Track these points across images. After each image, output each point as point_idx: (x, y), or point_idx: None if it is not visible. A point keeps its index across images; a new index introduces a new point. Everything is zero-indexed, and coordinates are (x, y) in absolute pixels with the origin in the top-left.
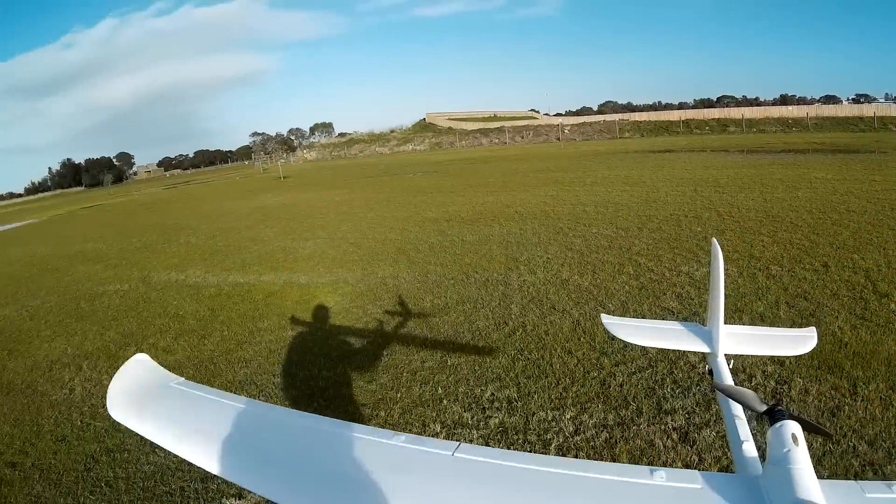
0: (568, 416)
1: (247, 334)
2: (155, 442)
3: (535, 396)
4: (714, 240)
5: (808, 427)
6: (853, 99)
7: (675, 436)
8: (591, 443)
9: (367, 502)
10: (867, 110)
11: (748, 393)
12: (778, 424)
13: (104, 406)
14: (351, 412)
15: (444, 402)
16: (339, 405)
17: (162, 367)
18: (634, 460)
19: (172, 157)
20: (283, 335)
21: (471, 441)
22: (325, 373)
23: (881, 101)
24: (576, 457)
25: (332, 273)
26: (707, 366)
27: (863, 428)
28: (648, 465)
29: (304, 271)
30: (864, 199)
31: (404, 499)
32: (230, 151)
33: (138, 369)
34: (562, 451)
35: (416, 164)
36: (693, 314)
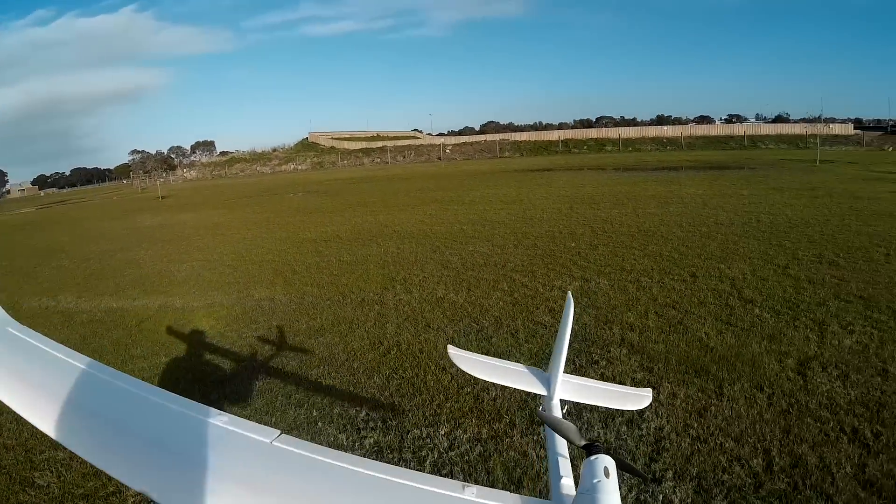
0: (442, 432)
1: (119, 362)
2: None
3: (410, 414)
4: (570, 292)
5: (623, 466)
6: (725, 119)
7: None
8: (466, 457)
9: (186, 477)
10: (738, 129)
11: (570, 427)
12: (593, 457)
13: None
14: None
15: (319, 424)
16: None
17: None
18: (508, 472)
19: (48, 174)
20: (156, 362)
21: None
22: (199, 399)
23: (752, 120)
24: (450, 472)
25: (207, 296)
26: (541, 407)
27: (729, 426)
28: (522, 475)
29: (179, 295)
30: (732, 213)
31: (221, 478)
32: (108, 169)
33: None
34: (437, 467)
35: (297, 184)
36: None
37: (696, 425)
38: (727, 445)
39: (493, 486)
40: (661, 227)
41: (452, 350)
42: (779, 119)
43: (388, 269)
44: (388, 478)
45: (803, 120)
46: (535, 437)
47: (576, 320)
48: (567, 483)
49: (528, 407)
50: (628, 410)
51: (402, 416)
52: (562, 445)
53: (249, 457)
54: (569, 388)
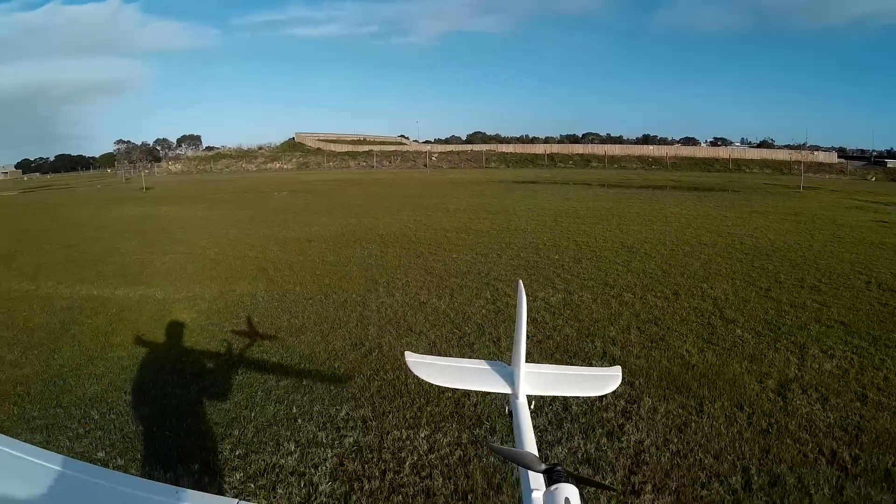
0: (423, 435)
1: (98, 350)
2: None
3: (390, 416)
4: (520, 280)
5: (589, 484)
6: (711, 142)
7: None
8: (445, 461)
9: None
10: (723, 153)
11: (526, 455)
12: (553, 487)
13: None
14: (204, 431)
15: (299, 421)
16: (191, 424)
17: None
18: (487, 477)
19: (32, 159)
20: (136, 351)
21: (324, 460)
22: (178, 391)
23: (737, 144)
24: (430, 475)
25: (189, 289)
26: (507, 407)
27: (708, 442)
28: (501, 481)
29: (160, 286)
30: (716, 234)
31: None
32: (93, 158)
33: None
34: (416, 469)
35: (282, 183)
36: (546, 337)
37: (676, 440)
38: (706, 462)
39: (472, 491)
40: (645, 244)
41: (410, 357)
42: (764, 144)
43: (371, 271)
44: None
45: (788, 146)
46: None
47: (558, 332)
48: None
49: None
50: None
51: (383, 417)
52: (536, 482)
53: None
54: (534, 381)
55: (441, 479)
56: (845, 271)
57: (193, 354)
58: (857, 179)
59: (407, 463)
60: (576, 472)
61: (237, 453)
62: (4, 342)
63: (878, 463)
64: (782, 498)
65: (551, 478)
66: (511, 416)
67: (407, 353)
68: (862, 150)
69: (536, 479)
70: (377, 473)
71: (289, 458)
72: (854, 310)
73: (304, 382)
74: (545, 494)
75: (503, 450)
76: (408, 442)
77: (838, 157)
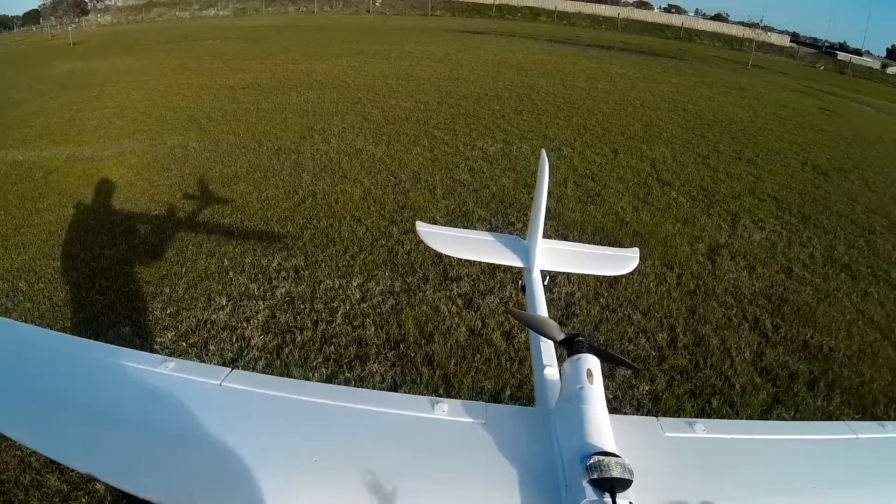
0: (355, 284)
1: (25, 217)
2: None
3: (323, 265)
4: (543, 150)
5: (609, 359)
6: (665, 8)
7: (460, 302)
8: (378, 309)
9: (127, 437)
10: (676, 20)
11: (547, 321)
12: (574, 357)
13: None
14: (134, 291)
15: (231, 273)
16: (121, 284)
17: None
18: (420, 326)
19: None
20: (63, 215)
21: (256, 313)
22: (107, 251)
23: (691, 14)
24: (361, 324)
25: (118, 145)
26: (521, 281)
27: (638, 299)
28: (433, 330)
29: (88, 144)
30: (660, 98)
31: (166, 432)
32: (16, 17)
33: None
34: (348, 318)
35: (217, 30)
36: (483, 186)
37: (606, 295)
38: (635, 317)
39: (404, 340)
40: (588, 101)
41: (421, 227)
42: (718, 17)
43: (307, 118)
44: (350, 405)
45: (742, 23)
46: (448, 293)
47: (495, 182)
48: (551, 376)
49: (443, 262)
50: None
51: (315, 266)
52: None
53: (199, 403)
54: (550, 257)
55: (373, 328)
56: (783, 150)
57: (123, 212)
58: (806, 65)
59: (339, 313)
60: (597, 345)
61: (168, 311)
62: None
63: (798, 334)
64: (705, 358)
65: (572, 348)
66: (524, 290)
67: (418, 222)
68: (815, 39)
69: (549, 353)
70: (309, 324)
71: (220, 312)
72: (788, 188)
73: (235, 234)
74: (566, 363)
75: (525, 316)
76: (340, 291)
77: (791, 41)
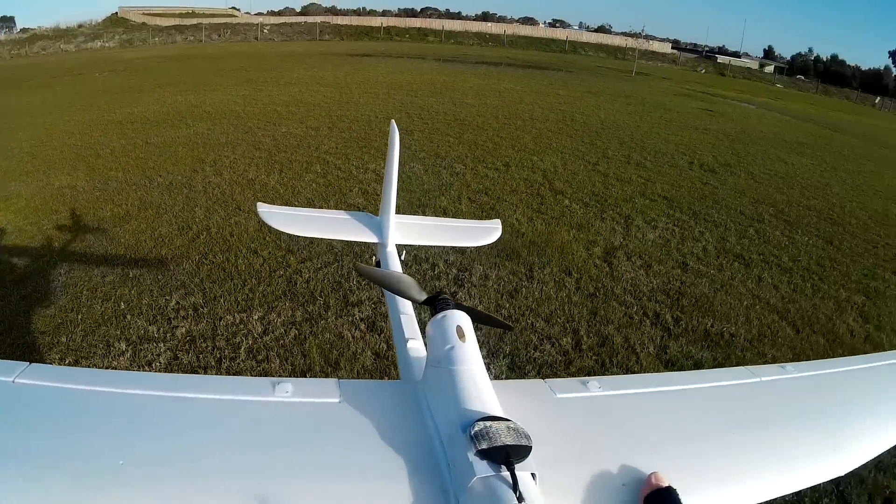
0: (256, 317)
1: None
2: None
3: (222, 300)
4: (392, 121)
5: (478, 318)
6: (549, 23)
7: (363, 326)
8: (281, 341)
9: None
10: (560, 34)
11: (404, 279)
12: (440, 316)
13: None
14: (29, 342)
15: (128, 317)
16: (16, 336)
17: None
18: (324, 354)
19: None
20: None
21: (158, 356)
22: None
23: (575, 27)
24: (266, 358)
25: (3, 188)
26: (375, 257)
27: (539, 307)
28: (339, 357)
29: None
30: (548, 110)
31: None
32: None
33: None
34: (252, 353)
35: (103, 63)
36: (376, 208)
37: (507, 305)
38: (538, 325)
39: (310, 370)
40: (478, 117)
41: (263, 208)
42: (601, 29)
43: (197, 150)
44: (172, 394)
45: (625, 33)
46: (350, 319)
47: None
48: (415, 348)
49: (343, 287)
50: (473, 248)
51: (214, 302)
52: (405, 305)
53: None
54: (406, 231)
55: (278, 360)
56: (670, 151)
57: (12, 259)
58: (688, 70)
59: (242, 348)
60: (463, 304)
61: (67, 362)
62: None
63: (698, 324)
64: (611, 356)
65: (436, 307)
66: (378, 266)
67: (259, 204)
68: (695, 44)
69: (411, 324)
70: (213, 362)
71: (120, 358)
72: (677, 187)
73: (130, 275)
74: (431, 324)
75: (378, 273)
76: (241, 326)
77: (672, 48)
